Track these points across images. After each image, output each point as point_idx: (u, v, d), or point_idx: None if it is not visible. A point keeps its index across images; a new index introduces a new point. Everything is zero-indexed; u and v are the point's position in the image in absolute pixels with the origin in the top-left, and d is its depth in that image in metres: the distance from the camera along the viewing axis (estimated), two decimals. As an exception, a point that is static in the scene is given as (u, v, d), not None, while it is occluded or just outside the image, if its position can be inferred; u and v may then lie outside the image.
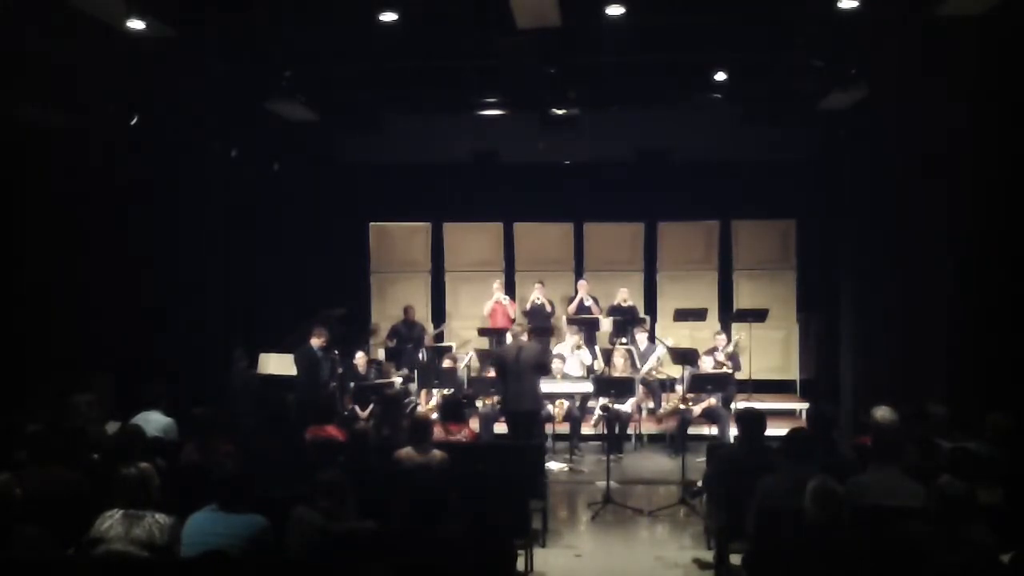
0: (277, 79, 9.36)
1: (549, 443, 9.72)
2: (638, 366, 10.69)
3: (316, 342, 9.88)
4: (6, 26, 6.86)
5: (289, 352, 10.23)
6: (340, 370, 10.43)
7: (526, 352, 8.67)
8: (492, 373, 10.09)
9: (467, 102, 10.83)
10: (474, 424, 8.95)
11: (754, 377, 11.45)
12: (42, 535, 4.44)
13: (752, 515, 5.12)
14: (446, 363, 10.38)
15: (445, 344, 12.10)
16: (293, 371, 10.04)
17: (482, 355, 11.57)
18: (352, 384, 10.26)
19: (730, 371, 10.39)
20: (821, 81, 9.37)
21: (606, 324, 11.99)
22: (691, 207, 12.82)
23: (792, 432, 5.61)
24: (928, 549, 4.23)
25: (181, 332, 9.81)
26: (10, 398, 7.35)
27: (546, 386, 9.18)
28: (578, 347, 11.01)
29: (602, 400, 9.92)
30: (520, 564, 6.13)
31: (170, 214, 9.86)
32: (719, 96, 10.34)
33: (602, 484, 8.45)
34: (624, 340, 11.31)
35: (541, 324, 11.80)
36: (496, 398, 9.85)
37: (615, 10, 7.63)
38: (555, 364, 9.91)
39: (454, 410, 7.62)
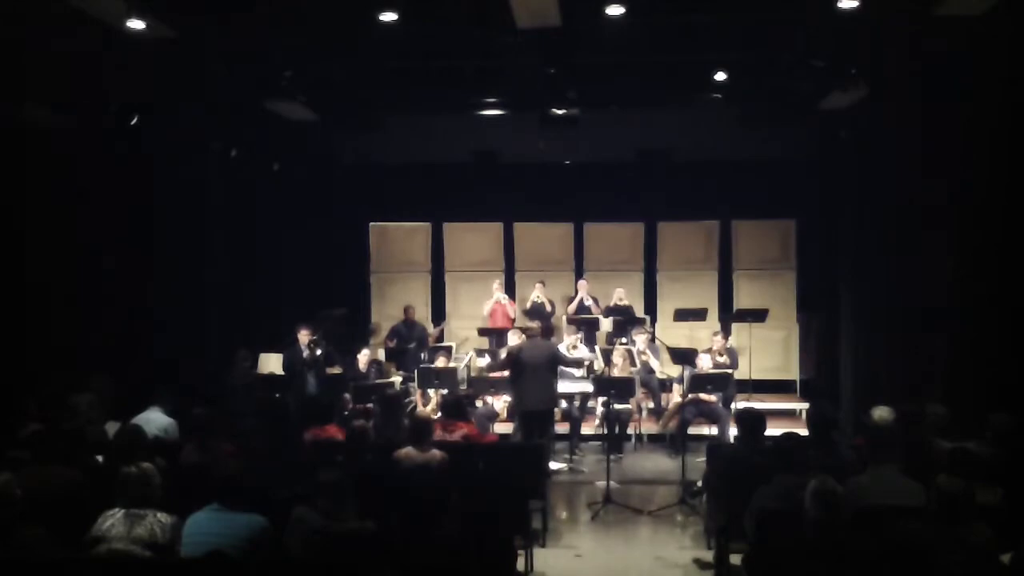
0: (277, 79, 9.35)
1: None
2: (638, 365, 10.69)
3: (302, 340, 9.97)
4: (6, 26, 6.86)
5: (280, 352, 10.27)
6: (339, 368, 10.44)
7: (541, 351, 8.83)
8: (497, 372, 10.12)
9: (467, 102, 10.82)
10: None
11: (754, 377, 11.44)
12: (42, 535, 4.44)
13: (750, 523, 5.12)
14: (440, 362, 10.36)
15: (445, 344, 12.10)
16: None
17: (482, 355, 11.57)
18: (352, 384, 10.25)
19: (729, 368, 10.39)
20: (821, 81, 9.37)
21: (606, 324, 12.00)
22: (691, 207, 12.82)
23: (782, 440, 5.49)
24: (928, 549, 4.23)
25: (181, 332, 9.81)
26: (10, 398, 7.34)
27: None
28: (574, 347, 11.00)
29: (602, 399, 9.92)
30: (520, 564, 6.13)
31: (170, 214, 9.86)
32: (719, 96, 10.33)
33: (602, 484, 8.45)
34: (624, 340, 11.31)
35: (540, 324, 11.78)
36: (499, 397, 9.90)
37: (615, 10, 7.62)
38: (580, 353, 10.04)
39: (456, 409, 7.62)
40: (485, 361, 11.19)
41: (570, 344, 11.02)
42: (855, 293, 10.73)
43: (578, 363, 9.73)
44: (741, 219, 12.91)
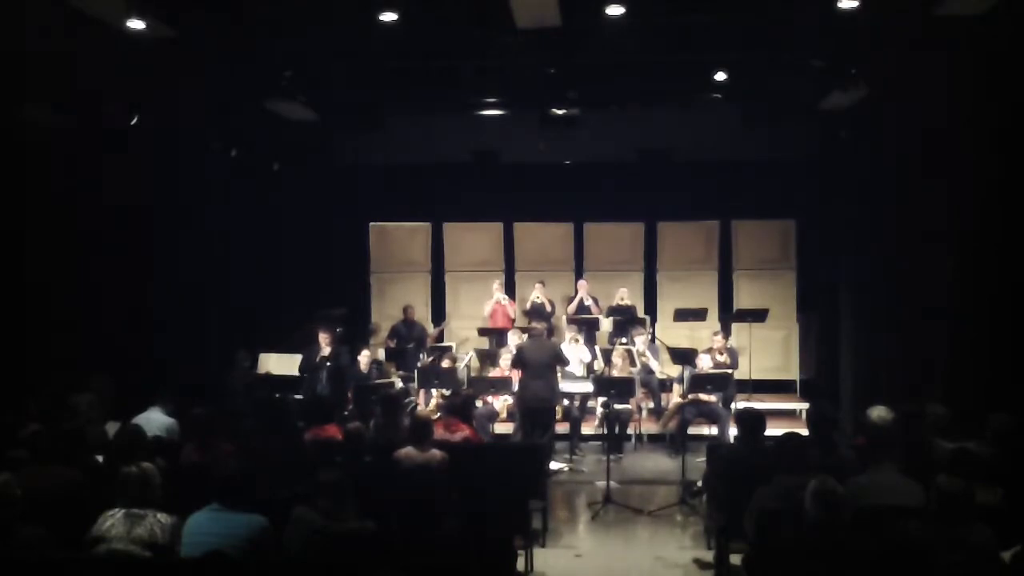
0: (277, 79, 9.35)
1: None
2: (638, 365, 10.69)
3: (324, 342, 9.96)
4: (6, 26, 6.86)
5: (291, 352, 10.24)
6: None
7: (543, 350, 9.02)
8: (501, 372, 10.14)
9: (467, 102, 10.83)
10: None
11: (754, 377, 11.44)
12: (42, 535, 4.44)
13: (750, 523, 5.12)
14: (446, 363, 10.37)
15: (445, 344, 12.11)
16: (293, 371, 10.05)
17: (482, 355, 11.56)
18: (352, 383, 10.26)
19: (729, 368, 10.39)
20: (821, 81, 9.38)
21: (606, 324, 12.00)
22: (691, 207, 12.81)
23: (783, 440, 5.49)
24: (928, 549, 4.23)
25: (181, 332, 9.81)
26: (10, 398, 7.35)
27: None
28: (576, 340, 11.02)
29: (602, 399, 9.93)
30: (520, 564, 6.13)
31: (170, 214, 9.86)
32: (719, 96, 10.34)
33: (602, 484, 8.45)
34: (624, 340, 11.32)
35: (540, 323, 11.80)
36: (499, 397, 9.92)
37: (615, 10, 7.63)
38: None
39: (462, 409, 7.61)
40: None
41: (571, 338, 11.07)
42: (855, 293, 10.73)
43: (562, 361, 9.64)
44: (741, 219, 12.91)
